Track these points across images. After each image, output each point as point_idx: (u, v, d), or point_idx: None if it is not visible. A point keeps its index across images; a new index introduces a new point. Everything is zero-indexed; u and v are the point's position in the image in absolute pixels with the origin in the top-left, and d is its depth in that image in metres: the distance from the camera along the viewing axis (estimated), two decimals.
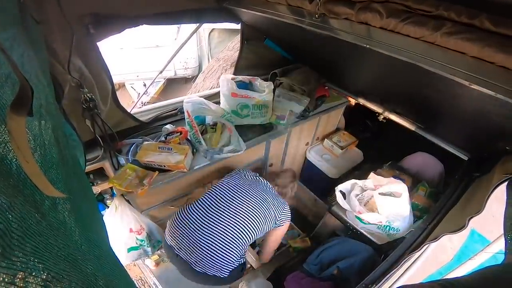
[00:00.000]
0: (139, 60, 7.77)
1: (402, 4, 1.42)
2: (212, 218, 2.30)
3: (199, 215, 2.32)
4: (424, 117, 2.67)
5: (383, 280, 2.02)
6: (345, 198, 2.78)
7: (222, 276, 2.27)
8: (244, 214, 2.33)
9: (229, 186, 2.49)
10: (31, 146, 0.76)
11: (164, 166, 2.35)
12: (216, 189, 2.48)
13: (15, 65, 0.69)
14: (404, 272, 2.25)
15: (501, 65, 1.15)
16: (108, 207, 2.74)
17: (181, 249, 2.28)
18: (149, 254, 2.94)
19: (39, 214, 0.65)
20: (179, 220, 2.36)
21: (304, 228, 3.70)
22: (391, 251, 2.21)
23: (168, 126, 2.66)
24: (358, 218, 2.71)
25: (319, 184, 3.85)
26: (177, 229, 2.32)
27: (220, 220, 2.28)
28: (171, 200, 2.76)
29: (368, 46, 1.57)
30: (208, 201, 2.40)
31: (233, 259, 2.26)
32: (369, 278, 2.05)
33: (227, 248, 2.23)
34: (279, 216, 2.51)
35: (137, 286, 3.40)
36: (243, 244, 2.29)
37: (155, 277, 3.54)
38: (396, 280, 2.22)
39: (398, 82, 2.37)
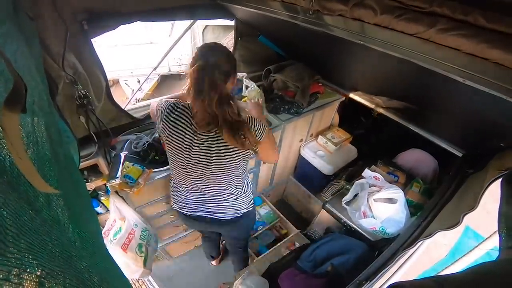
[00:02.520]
0: (133, 57, 7.75)
1: (396, 1, 1.42)
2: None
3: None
4: (419, 113, 2.68)
5: (377, 277, 2.02)
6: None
7: (240, 215, 2.37)
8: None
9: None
10: (24, 143, 0.76)
11: None
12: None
13: (8, 61, 0.68)
14: (398, 269, 2.26)
15: (495, 61, 1.15)
16: (103, 204, 2.74)
17: (197, 210, 2.33)
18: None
19: (33, 211, 0.65)
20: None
21: (297, 224, 3.71)
22: (385, 247, 2.22)
23: None
24: None
25: (313, 180, 3.84)
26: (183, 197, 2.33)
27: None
28: (165, 197, 2.75)
29: (362, 42, 1.57)
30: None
31: (236, 191, 2.27)
32: (363, 275, 2.06)
33: (226, 187, 2.20)
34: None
35: (131, 282, 3.41)
36: (234, 177, 2.16)
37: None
38: (391, 276, 2.23)
39: (392, 78, 2.38)
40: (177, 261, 3.83)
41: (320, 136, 3.67)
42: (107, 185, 2.31)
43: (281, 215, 3.79)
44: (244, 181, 2.30)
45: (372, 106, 3.12)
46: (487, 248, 2.44)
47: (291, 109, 3.08)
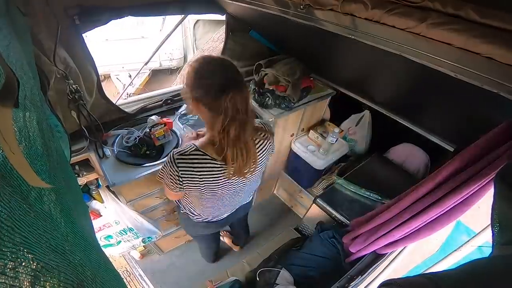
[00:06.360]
0: (124, 51, 7.74)
1: None
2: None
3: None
4: (410, 108, 2.69)
5: (368, 271, 2.04)
6: None
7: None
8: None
9: None
10: (17, 137, 0.76)
11: None
12: None
13: (0, 56, 0.68)
14: (389, 264, 2.27)
15: (486, 55, 1.16)
16: (94, 198, 2.74)
17: (224, 213, 2.36)
18: (136, 247, 2.95)
19: (26, 205, 0.65)
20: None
21: (289, 219, 3.72)
22: None
23: (153, 117, 2.65)
24: None
25: (304, 175, 3.86)
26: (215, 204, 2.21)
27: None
28: (158, 191, 2.75)
29: (353, 37, 1.57)
30: None
31: None
32: (354, 270, 2.07)
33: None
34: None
35: (123, 277, 3.42)
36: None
37: (141, 268, 3.55)
38: (382, 271, 2.24)
39: (383, 73, 2.39)
40: (168, 255, 3.85)
41: (311, 130, 3.66)
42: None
43: None
44: None
45: (364, 101, 3.13)
46: (479, 244, 2.45)
47: (282, 103, 3.07)
